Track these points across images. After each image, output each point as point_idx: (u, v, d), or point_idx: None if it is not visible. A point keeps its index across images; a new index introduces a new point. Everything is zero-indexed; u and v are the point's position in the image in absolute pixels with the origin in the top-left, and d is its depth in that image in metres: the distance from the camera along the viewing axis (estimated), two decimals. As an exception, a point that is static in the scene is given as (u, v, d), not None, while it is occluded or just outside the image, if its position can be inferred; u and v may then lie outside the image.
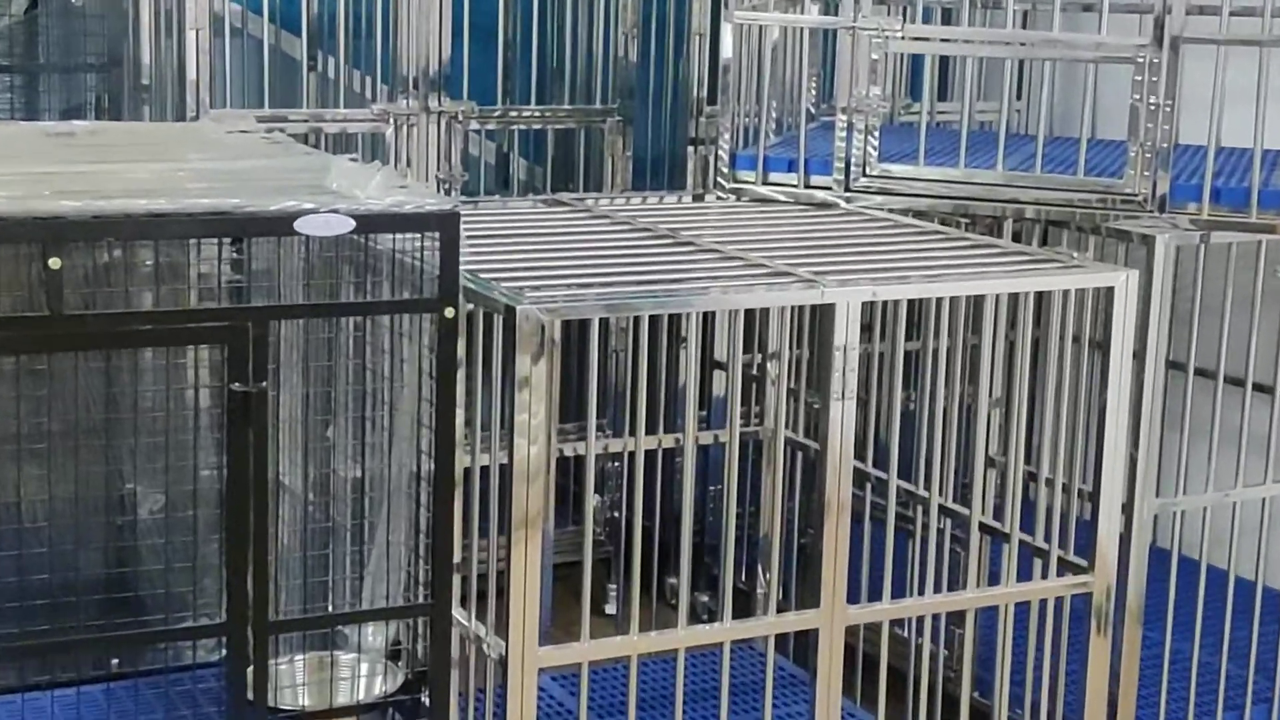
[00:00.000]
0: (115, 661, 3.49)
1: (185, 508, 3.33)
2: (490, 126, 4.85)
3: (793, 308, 3.89)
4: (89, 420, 3.40)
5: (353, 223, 2.78)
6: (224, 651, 3.20)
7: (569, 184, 4.89)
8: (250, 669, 3.02)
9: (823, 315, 3.33)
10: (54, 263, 2.70)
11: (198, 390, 3.29)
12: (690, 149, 4.87)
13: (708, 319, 4.23)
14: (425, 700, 3.11)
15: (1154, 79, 3.61)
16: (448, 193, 4.13)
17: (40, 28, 4.84)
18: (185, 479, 3.33)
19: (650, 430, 4.15)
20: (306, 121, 4.42)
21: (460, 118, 4.54)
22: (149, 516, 3.56)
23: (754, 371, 4.31)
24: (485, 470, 3.19)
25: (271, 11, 4.63)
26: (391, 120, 4.41)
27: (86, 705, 3.43)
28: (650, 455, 4.15)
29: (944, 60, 4.44)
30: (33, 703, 3.36)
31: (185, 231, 2.87)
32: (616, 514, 4.45)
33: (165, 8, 4.35)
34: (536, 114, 4.83)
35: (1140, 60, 3.59)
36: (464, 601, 3.25)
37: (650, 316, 3.74)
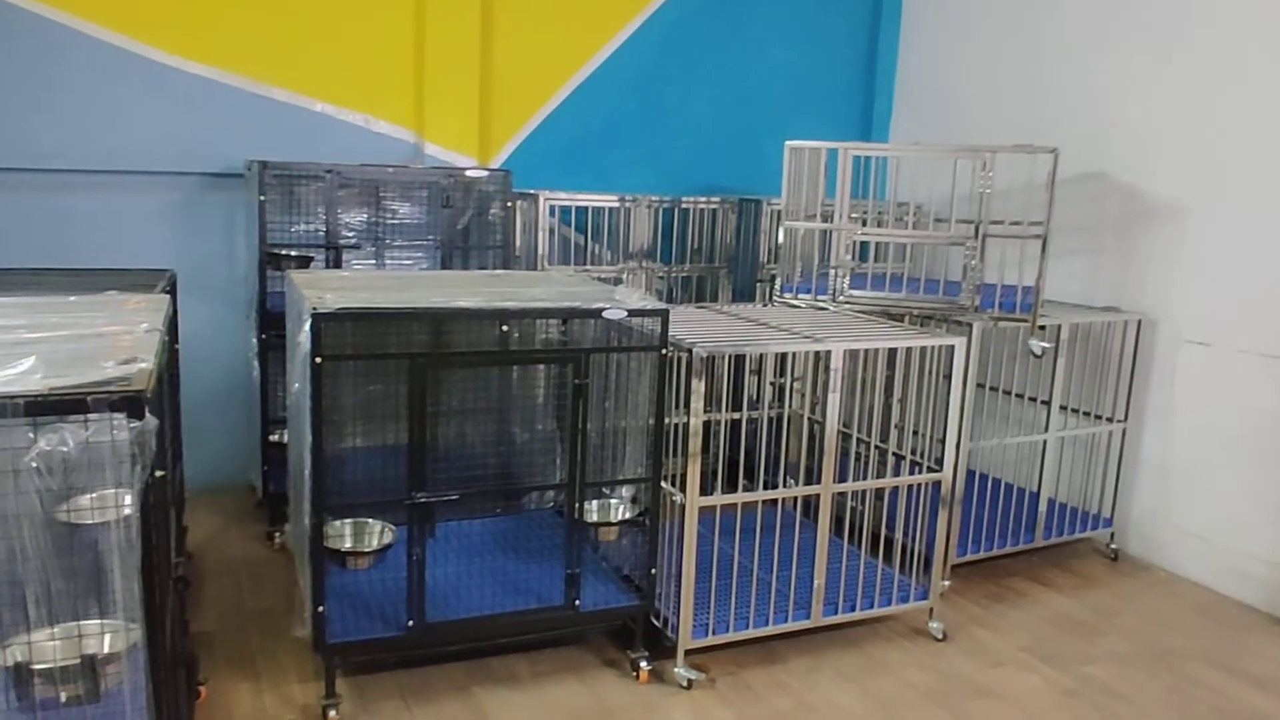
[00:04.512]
0: (498, 510, 4.79)
1: (540, 437, 4.57)
2: (672, 275, 6.14)
3: (810, 352, 4.85)
4: (491, 398, 4.66)
5: (626, 313, 3.75)
6: (562, 499, 4.34)
7: (703, 299, 6.21)
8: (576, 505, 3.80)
9: (824, 357, 4.40)
10: (505, 329, 4.01)
11: (546, 387, 4.62)
12: (758, 284, 6.24)
13: (762, 359, 5.49)
14: (647, 522, 4.04)
15: (973, 252, 4.81)
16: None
17: (473, 226, 5.60)
18: (541, 424, 4.59)
19: (736, 409, 5.49)
20: (587, 270, 5.80)
21: (656, 270, 6.09)
22: (521, 442, 4.75)
23: (785, 384, 5.51)
24: (668, 427, 3.95)
25: (570, 222, 6.04)
26: (627, 271, 5.99)
27: (493, 526, 4.75)
28: (735, 422, 5.43)
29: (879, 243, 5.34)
30: (466, 526, 4.77)
31: (555, 315, 3.80)
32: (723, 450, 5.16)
33: (525, 220, 5.78)
34: (690, 268, 6.26)
35: (969, 245, 4.83)
36: (666, 478, 4.09)
37: (737, 356, 4.79)
